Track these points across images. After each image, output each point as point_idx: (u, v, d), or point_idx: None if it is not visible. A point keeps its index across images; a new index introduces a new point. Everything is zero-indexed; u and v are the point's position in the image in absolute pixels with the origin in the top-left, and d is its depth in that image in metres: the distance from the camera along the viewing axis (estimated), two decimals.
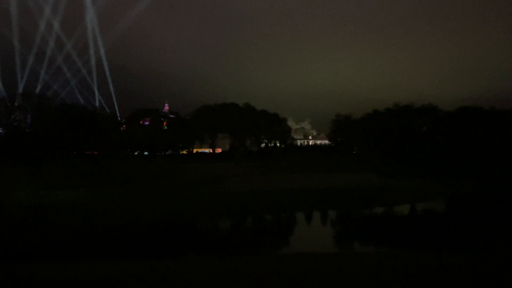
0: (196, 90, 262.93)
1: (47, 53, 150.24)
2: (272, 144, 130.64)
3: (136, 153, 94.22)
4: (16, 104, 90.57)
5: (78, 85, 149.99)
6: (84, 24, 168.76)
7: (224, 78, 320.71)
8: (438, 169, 77.11)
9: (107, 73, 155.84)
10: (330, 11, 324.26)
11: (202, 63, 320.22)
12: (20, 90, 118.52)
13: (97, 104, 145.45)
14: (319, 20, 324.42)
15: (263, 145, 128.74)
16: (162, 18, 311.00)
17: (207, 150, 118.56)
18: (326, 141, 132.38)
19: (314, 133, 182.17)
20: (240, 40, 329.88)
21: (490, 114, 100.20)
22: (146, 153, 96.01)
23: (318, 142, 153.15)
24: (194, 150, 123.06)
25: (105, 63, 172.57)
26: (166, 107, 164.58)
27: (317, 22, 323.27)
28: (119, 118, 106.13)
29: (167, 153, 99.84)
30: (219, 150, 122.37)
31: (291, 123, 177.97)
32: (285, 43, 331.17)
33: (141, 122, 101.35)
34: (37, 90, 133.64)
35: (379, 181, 60.37)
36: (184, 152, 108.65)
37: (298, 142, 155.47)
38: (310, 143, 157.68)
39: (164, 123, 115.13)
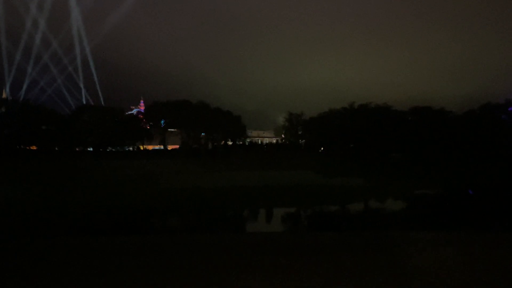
0: (189, 86, 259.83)
1: (34, 50, 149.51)
2: (231, 142, 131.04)
3: (77, 149, 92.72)
4: None
5: (65, 81, 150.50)
6: (73, 21, 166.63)
7: (217, 75, 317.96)
8: (384, 167, 78.62)
9: (93, 69, 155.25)
10: (328, 7, 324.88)
11: (195, 59, 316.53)
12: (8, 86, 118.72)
13: (83, 98, 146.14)
14: (317, 16, 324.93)
15: (222, 142, 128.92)
16: (154, 13, 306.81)
17: (158, 147, 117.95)
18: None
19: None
20: (233, 36, 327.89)
21: (439, 114, 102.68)
22: (90, 149, 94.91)
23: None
24: (150, 147, 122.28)
25: (91, 60, 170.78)
26: (142, 104, 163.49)
27: (314, 19, 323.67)
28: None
29: (113, 149, 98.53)
30: (173, 147, 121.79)
31: (283, 120, 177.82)
32: (281, 40, 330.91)
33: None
34: (24, 87, 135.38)
35: (315, 180, 61.33)
36: (130, 148, 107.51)
37: (266, 140, 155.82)
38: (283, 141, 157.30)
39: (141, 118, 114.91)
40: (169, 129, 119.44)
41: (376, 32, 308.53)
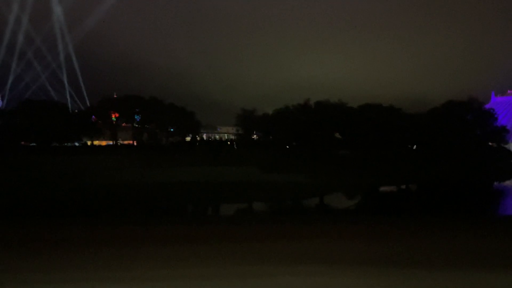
0: (177, 81, 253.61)
1: (18, 44, 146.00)
2: (189, 138, 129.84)
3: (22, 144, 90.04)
4: None
5: (49, 76, 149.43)
6: (55, 15, 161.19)
7: (205, 70, 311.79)
8: (327, 164, 78.99)
9: (76, 64, 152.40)
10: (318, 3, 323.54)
11: (183, 54, 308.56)
12: None
13: (67, 93, 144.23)
14: (307, 12, 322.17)
15: (180, 138, 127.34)
16: (140, 7, 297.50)
17: (111, 142, 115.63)
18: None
19: None
20: (222, 32, 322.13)
21: (388, 111, 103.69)
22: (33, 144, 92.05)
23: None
24: (103, 143, 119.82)
25: (73, 56, 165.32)
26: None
27: (304, 14, 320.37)
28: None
29: (57, 145, 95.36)
30: (127, 142, 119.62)
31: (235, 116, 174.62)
32: (271, 36, 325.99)
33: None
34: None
35: (258, 176, 61.27)
36: (76, 144, 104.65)
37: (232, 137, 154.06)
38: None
39: (114, 115, 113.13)
40: (123, 125, 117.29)
41: (365, 26, 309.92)
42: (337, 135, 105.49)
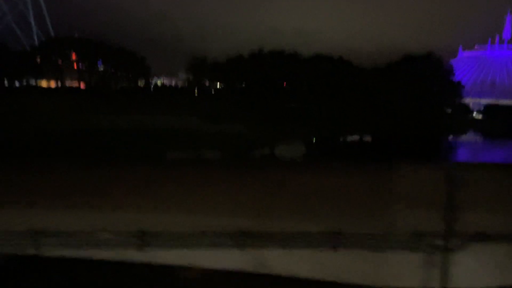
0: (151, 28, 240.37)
1: None
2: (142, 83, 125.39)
3: None
4: None
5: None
6: None
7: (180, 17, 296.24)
8: (279, 116, 78.09)
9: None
10: None
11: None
12: None
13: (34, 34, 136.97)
14: None
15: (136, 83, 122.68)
16: None
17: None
18: None
19: None
20: None
21: (337, 63, 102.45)
22: None
23: None
24: (52, 84, 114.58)
25: None
26: None
27: None
28: None
29: None
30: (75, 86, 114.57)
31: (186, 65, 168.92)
32: None
33: None
34: None
35: (202, 125, 60.30)
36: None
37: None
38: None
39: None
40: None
41: None
42: (287, 86, 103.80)
